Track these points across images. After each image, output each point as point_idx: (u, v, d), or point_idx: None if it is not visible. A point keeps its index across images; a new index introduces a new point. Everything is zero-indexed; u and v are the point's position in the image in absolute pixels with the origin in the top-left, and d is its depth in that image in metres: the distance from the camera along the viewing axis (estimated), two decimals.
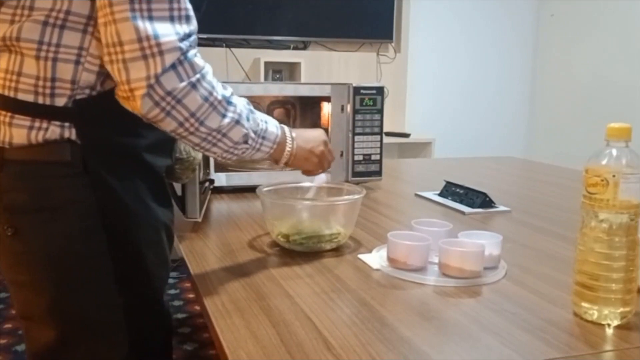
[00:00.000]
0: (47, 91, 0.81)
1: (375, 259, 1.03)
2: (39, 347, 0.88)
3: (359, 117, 1.61)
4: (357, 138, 1.61)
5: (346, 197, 1.14)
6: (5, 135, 0.83)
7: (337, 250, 1.09)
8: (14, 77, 0.81)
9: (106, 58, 0.79)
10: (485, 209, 1.42)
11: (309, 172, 1.09)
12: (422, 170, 2.20)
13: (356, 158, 1.62)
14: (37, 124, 0.82)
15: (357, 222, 1.15)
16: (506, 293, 0.89)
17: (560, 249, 1.13)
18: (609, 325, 0.77)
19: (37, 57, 0.80)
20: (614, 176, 0.74)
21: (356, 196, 1.11)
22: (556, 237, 1.21)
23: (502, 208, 1.43)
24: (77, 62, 0.81)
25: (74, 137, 0.83)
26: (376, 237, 1.17)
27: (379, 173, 1.66)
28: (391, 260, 0.98)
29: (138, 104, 0.79)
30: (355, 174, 1.63)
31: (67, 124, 0.82)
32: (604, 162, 0.76)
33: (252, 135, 0.92)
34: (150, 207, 0.91)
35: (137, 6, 0.76)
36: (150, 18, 0.77)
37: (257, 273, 0.97)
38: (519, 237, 1.20)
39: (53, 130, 0.82)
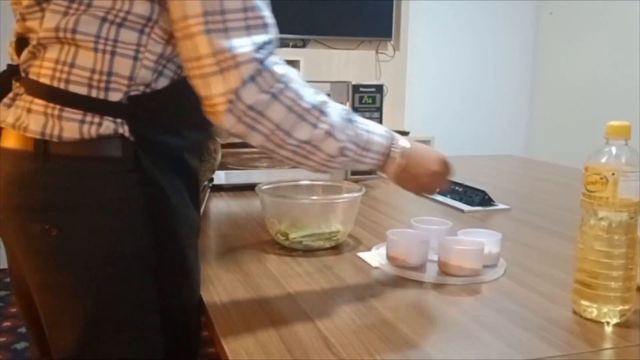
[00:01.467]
0: (102, 85, 0.78)
1: (375, 257, 1.03)
2: (66, 352, 0.83)
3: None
4: None
5: (345, 195, 1.14)
6: (53, 129, 0.77)
7: (337, 249, 1.09)
8: (66, 68, 0.77)
9: (188, 73, 0.77)
10: (484, 207, 1.42)
11: (420, 191, 1.01)
12: None
13: None
14: (88, 118, 0.78)
15: (356, 220, 1.15)
16: (505, 291, 0.89)
17: (559, 247, 1.13)
18: (608, 323, 0.77)
19: (95, 50, 0.77)
20: (613, 174, 0.74)
21: (355, 194, 1.11)
22: (555, 235, 1.22)
23: (501, 206, 1.43)
24: (135, 58, 0.78)
25: (127, 133, 0.79)
26: (375, 235, 1.17)
27: None
28: (390, 259, 0.98)
29: (222, 120, 0.76)
30: (355, 172, 1.63)
31: (119, 120, 0.79)
32: (603, 160, 0.76)
33: (351, 147, 0.84)
34: (190, 207, 0.89)
35: (210, 18, 0.73)
36: (226, 30, 0.74)
37: (257, 271, 0.97)
38: (518, 235, 1.20)
39: (107, 126, 0.78)
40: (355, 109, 1.60)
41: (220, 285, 0.91)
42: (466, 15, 3.86)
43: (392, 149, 0.89)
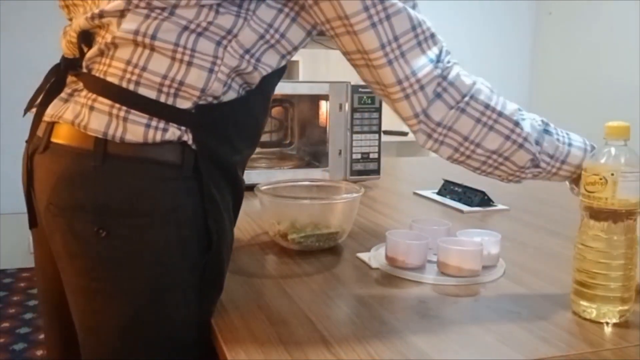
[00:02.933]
0: (172, 91, 0.76)
1: (374, 257, 1.03)
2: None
3: (357, 115, 1.61)
4: (355, 136, 1.61)
5: (344, 195, 1.14)
6: (116, 130, 0.74)
7: (336, 250, 1.09)
8: (137, 71, 0.75)
9: (376, 92, 0.83)
10: (483, 208, 1.42)
11: None
12: (420, 169, 2.20)
13: (354, 156, 1.62)
14: (154, 123, 0.75)
15: (355, 220, 1.15)
16: (505, 292, 0.89)
17: (559, 247, 1.13)
18: (607, 323, 0.77)
19: (173, 58, 0.75)
20: (612, 175, 0.74)
21: (354, 195, 1.11)
22: (555, 235, 1.22)
23: (500, 206, 1.43)
24: (211, 70, 0.76)
25: (190, 141, 0.77)
26: (375, 236, 1.17)
27: (377, 172, 1.66)
28: (390, 259, 0.98)
29: (417, 137, 0.82)
30: (354, 173, 1.63)
31: (183, 128, 0.76)
32: (602, 160, 0.76)
33: (546, 159, 0.84)
34: (232, 224, 0.87)
35: (389, 49, 0.77)
36: (402, 55, 0.77)
37: (256, 272, 0.97)
38: (517, 236, 1.20)
39: (173, 132, 0.76)
40: (354, 110, 1.60)
41: None
42: (465, 15, 3.87)
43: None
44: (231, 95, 0.80)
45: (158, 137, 0.75)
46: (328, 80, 1.62)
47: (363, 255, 1.05)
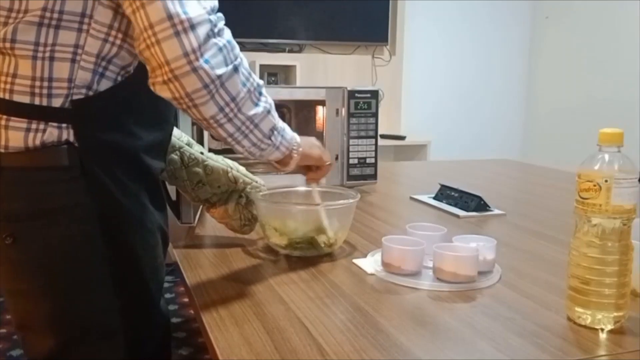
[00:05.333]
0: (44, 92, 0.80)
1: (370, 263, 1.03)
2: (38, 356, 0.87)
3: (353, 120, 1.61)
4: (352, 142, 1.61)
5: (341, 201, 1.14)
6: (0, 139, 0.81)
7: (332, 255, 1.09)
8: (9, 79, 0.80)
9: (142, 45, 0.77)
10: (480, 213, 1.42)
11: (314, 169, 1.08)
12: (417, 173, 2.20)
13: (351, 161, 1.62)
14: (33, 126, 0.80)
15: (351, 226, 1.15)
16: (500, 297, 0.89)
17: (554, 253, 1.13)
18: (602, 329, 0.77)
19: (34, 58, 0.79)
20: (606, 181, 0.75)
21: (351, 200, 1.11)
22: (551, 240, 1.22)
23: (496, 211, 1.43)
24: (72, 60, 0.80)
25: (72, 138, 0.81)
26: (371, 241, 1.17)
27: (374, 176, 1.66)
28: (386, 265, 0.98)
29: (182, 83, 0.76)
30: (351, 178, 1.63)
31: (64, 125, 0.81)
32: (596, 167, 0.76)
33: (276, 131, 0.91)
34: (148, 209, 0.91)
35: None
36: None
37: (251, 278, 0.97)
38: (513, 241, 1.20)
39: (51, 132, 0.80)
40: (351, 115, 1.60)
41: (214, 292, 0.91)
42: (462, 19, 3.88)
43: (295, 142, 0.98)
44: (107, 84, 0.83)
45: (37, 141, 0.80)
46: (325, 86, 1.62)
47: (359, 261, 1.05)
